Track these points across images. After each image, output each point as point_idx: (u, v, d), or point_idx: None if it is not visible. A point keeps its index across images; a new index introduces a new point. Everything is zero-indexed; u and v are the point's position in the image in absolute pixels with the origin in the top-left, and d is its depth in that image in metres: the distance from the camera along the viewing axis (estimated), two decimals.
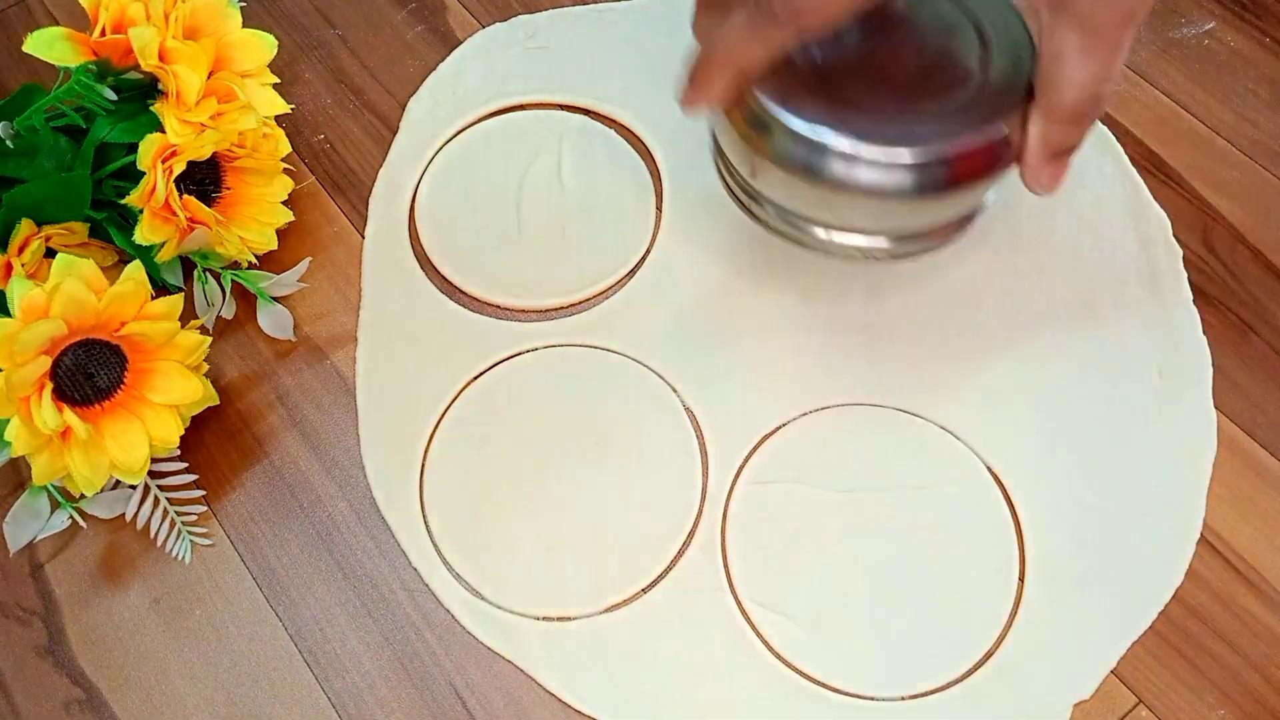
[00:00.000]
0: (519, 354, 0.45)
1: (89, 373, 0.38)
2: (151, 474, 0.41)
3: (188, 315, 0.44)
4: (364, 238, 0.48)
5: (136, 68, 0.43)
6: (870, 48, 0.34)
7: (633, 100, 0.51)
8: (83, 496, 0.40)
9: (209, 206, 0.43)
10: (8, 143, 0.43)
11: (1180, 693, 0.38)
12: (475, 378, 0.44)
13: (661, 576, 0.40)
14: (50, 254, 0.41)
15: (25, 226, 0.41)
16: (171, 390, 0.40)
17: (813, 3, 0.31)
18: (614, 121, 0.50)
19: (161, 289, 0.45)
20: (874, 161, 0.34)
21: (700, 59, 0.35)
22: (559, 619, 0.40)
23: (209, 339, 0.41)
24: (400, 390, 0.44)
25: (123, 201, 0.41)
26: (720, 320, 0.45)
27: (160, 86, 0.43)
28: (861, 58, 0.36)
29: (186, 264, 0.46)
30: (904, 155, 0.34)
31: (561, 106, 0.51)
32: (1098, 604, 0.39)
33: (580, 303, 0.46)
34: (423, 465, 0.43)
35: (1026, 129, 0.34)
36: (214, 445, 0.44)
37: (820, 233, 0.38)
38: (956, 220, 0.38)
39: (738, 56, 0.33)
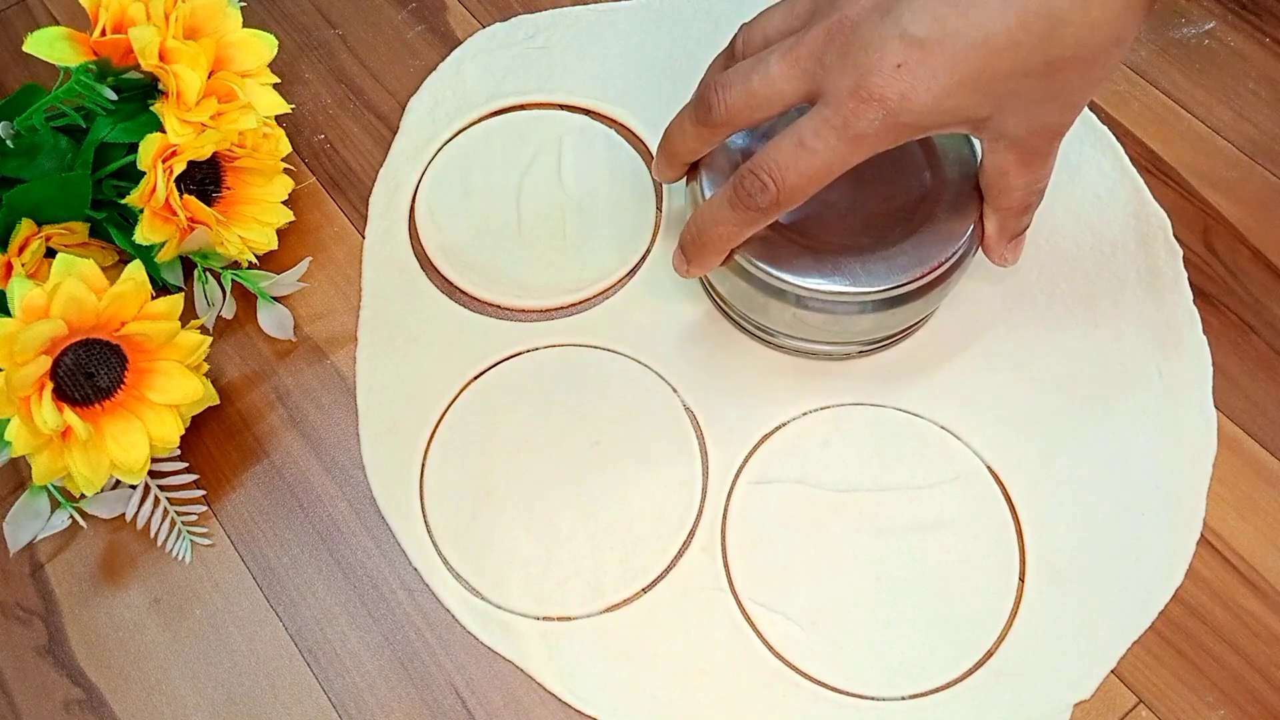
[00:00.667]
0: (519, 354, 0.45)
1: (89, 372, 0.38)
2: (152, 474, 0.41)
3: (188, 315, 0.44)
4: (364, 238, 0.48)
5: (137, 67, 0.43)
6: (833, 189, 0.37)
7: (633, 100, 0.51)
8: (83, 496, 0.40)
9: (209, 206, 0.43)
10: (8, 143, 0.43)
11: (1180, 693, 0.38)
12: (475, 378, 0.44)
13: (661, 576, 0.40)
14: (50, 254, 0.41)
15: (25, 226, 0.41)
16: (172, 390, 0.40)
17: (792, 192, 0.35)
18: (614, 121, 0.50)
19: (162, 289, 0.45)
20: (853, 299, 0.39)
21: (693, 239, 0.39)
22: (559, 619, 0.40)
23: (209, 339, 0.41)
24: (400, 390, 0.44)
25: (123, 201, 0.41)
26: (720, 320, 0.45)
27: (160, 86, 0.43)
28: (826, 202, 0.39)
29: (187, 264, 0.46)
30: (885, 289, 0.39)
31: (561, 106, 0.51)
32: (1098, 604, 0.39)
33: (580, 303, 0.46)
34: (423, 465, 0.43)
35: (983, 223, 0.40)
36: (214, 445, 0.44)
37: (789, 341, 0.43)
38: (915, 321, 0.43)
39: (726, 238, 0.38)
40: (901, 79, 0.33)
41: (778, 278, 0.39)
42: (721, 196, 0.37)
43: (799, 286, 0.39)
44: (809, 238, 0.39)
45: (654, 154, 0.42)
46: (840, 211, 0.40)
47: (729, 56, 0.39)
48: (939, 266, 0.39)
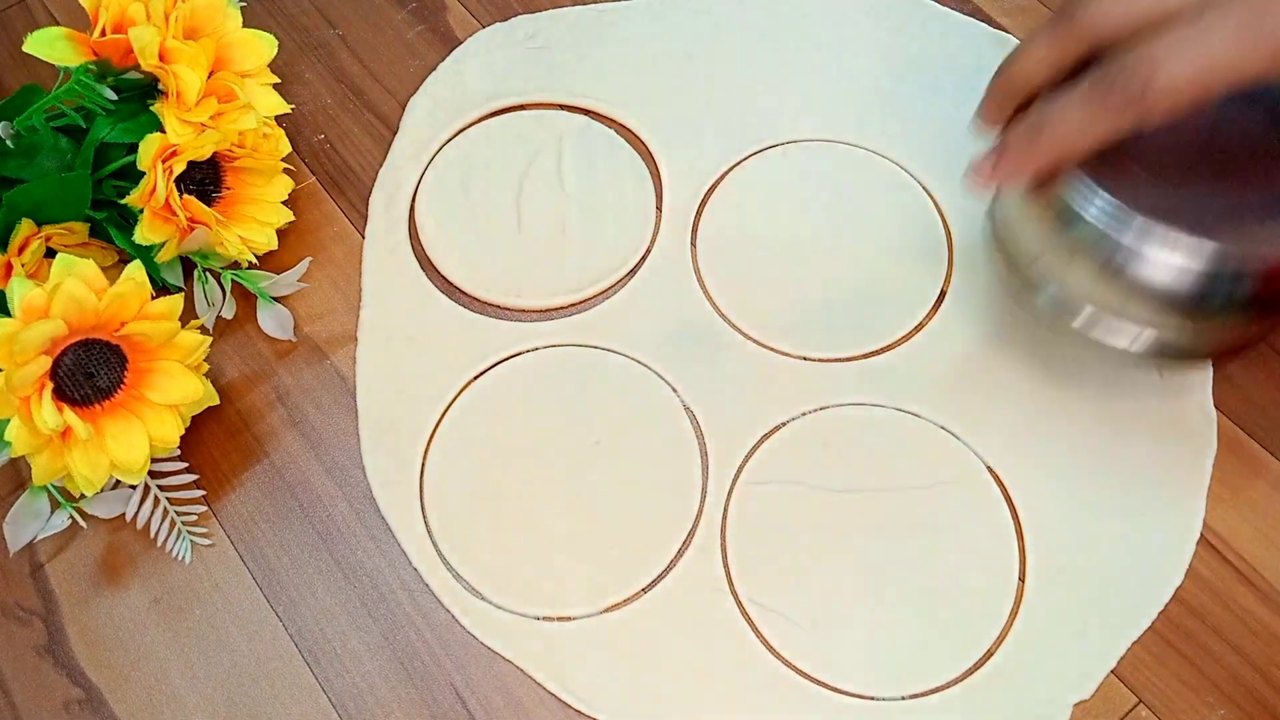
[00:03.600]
0: (519, 354, 0.45)
1: (89, 372, 0.38)
2: (151, 474, 0.41)
3: (188, 315, 0.44)
4: (364, 237, 0.48)
5: (136, 68, 0.43)
6: (1197, 124, 0.30)
7: (633, 100, 0.51)
8: (83, 496, 0.40)
9: (209, 206, 0.43)
10: (8, 143, 0.43)
11: (1180, 693, 0.38)
12: (475, 378, 0.44)
13: (661, 576, 0.40)
14: (50, 254, 0.41)
15: (25, 226, 0.41)
16: (172, 390, 0.40)
17: (1169, 87, 0.29)
18: (614, 121, 0.50)
19: (162, 289, 0.45)
20: (1217, 271, 0.32)
21: (1022, 134, 0.32)
22: (559, 619, 0.40)
23: (209, 339, 0.41)
24: (400, 390, 0.44)
25: (123, 201, 0.41)
26: (720, 320, 0.45)
27: (160, 86, 0.43)
28: (1187, 135, 0.32)
29: (186, 264, 0.46)
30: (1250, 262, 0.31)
31: (561, 106, 0.51)
32: (1098, 604, 0.39)
33: (580, 303, 0.46)
34: (423, 465, 0.43)
35: None
36: (214, 445, 0.44)
37: (1107, 320, 0.36)
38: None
39: (1072, 139, 0.31)
40: None
41: (1121, 212, 0.31)
42: (1073, 89, 0.30)
43: (1148, 231, 0.31)
44: (1169, 177, 0.31)
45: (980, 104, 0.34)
46: (1214, 170, 0.31)
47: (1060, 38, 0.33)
48: None
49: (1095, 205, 0.32)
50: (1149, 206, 0.31)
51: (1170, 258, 0.32)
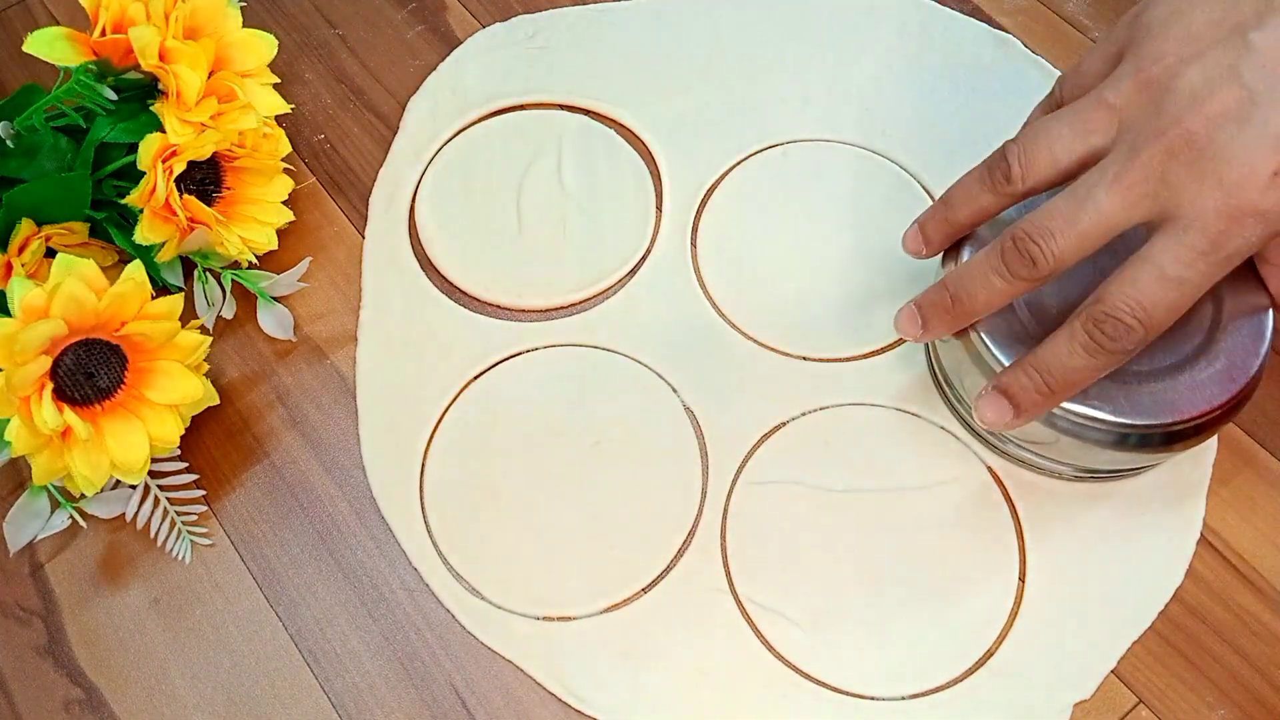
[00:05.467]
0: (519, 354, 0.45)
1: (89, 372, 0.38)
2: (152, 474, 0.41)
3: (188, 315, 0.44)
4: (364, 238, 0.48)
5: (137, 67, 0.43)
6: (1084, 277, 0.34)
7: (633, 100, 0.51)
8: (83, 496, 0.40)
9: (209, 206, 0.43)
10: (8, 143, 0.43)
11: (1180, 693, 0.38)
12: (475, 378, 0.44)
13: (661, 576, 0.40)
14: (50, 254, 0.41)
15: (25, 226, 0.41)
16: (172, 390, 0.40)
17: (1159, 328, 0.32)
18: (614, 121, 0.50)
19: (162, 289, 0.45)
20: (1109, 429, 0.36)
21: (937, 303, 0.37)
22: (559, 619, 0.40)
23: (209, 339, 0.41)
24: (400, 390, 0.44)
25: (123, 201, 0.41)
26: (720, 320, 0.45)
27: (160, 86, 0.43)
28: (1075, 293, 0.35)
29: (187, 264, 0.46)
30: (1149, 424, 0.35)
31: (561, 106, 0.51)
32: (1098, 604, 0.39)
33: (580, 303, 0.46)
34: (423, 465, 0.43)
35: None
36: (214, 445, 0.44)
37: (1014, 449, 0.40)
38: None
39: (978, 306, 0.35)
40: (1278, 189, 0.30)
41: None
42: (1068, 340, 0.33)
43: (1066, 411, 0.36)
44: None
45: (919, 221, 0.39)
46: None
47: (1049, 104, 0.38)
48: (1219, 406, 0.36)
49: (998, 363, 0.37)
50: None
51: (1076, 420, 0.36)
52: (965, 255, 0.38)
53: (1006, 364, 0.37)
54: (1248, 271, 0.37)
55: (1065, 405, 0.36)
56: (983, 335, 0.37)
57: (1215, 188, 0.31)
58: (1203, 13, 0.33)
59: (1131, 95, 0.33)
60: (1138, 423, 0.36)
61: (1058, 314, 0.36)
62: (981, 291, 0.35)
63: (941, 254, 0.40)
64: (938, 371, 0.42)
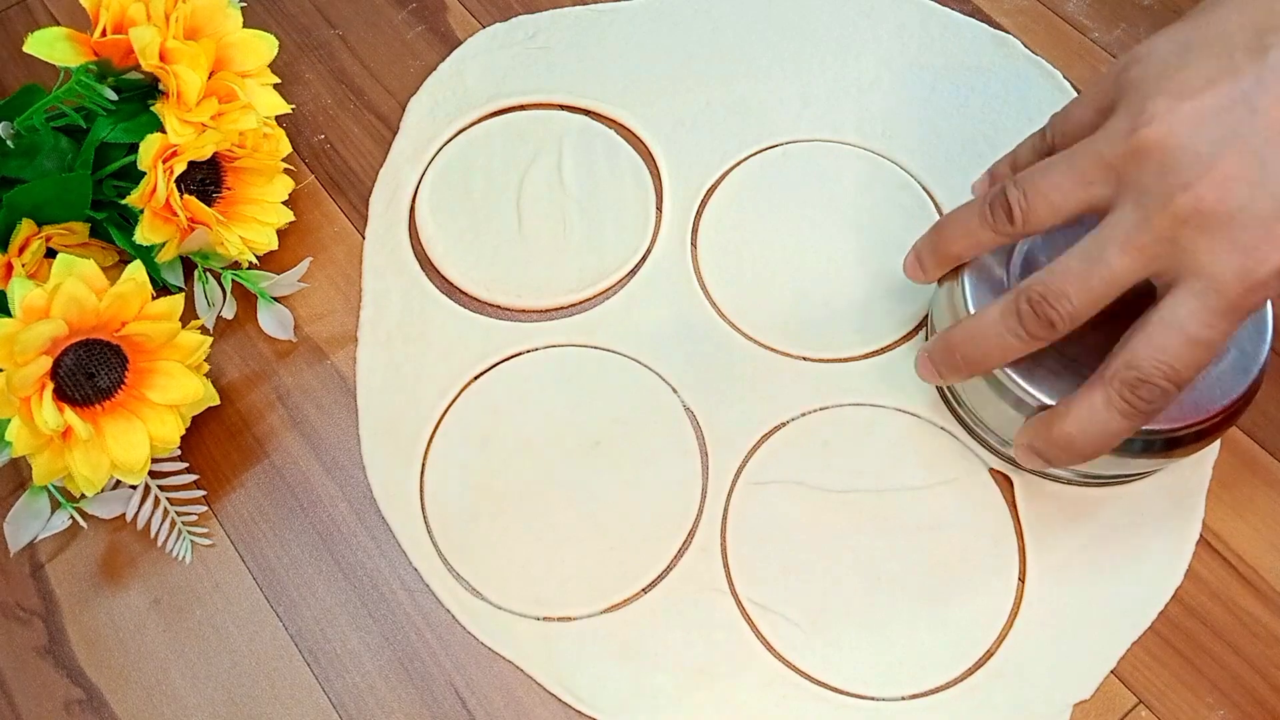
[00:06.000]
0: (519, 354, 0.45)
1: (90, 373, 0.38)
2: (152, 474, 0.41)
3: (188, 315, 0.44)
4: (364, 238, 0.48)
5: (137, 68, 0.43)
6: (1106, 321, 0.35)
7: (633, 100, 0.51)
8: (83, 496, 0.40)
9: (209, 206, 0.43)
10: (8, 143, 0.43)
11: (1180, 693, 0.38)
12: (475, 378, 0.44)
13: (661, 576, 0.40)
14: (51, 254, 0.41)
15: (26, 226, 0.41)
16: (172, 390, 0.40)
17: (1184, 385, 0.33)
18: (614, 121, 0.50)
19: (162, 289, 0.45)
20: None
21: (947, 355, 0.38)
22: (559, 619, 0.40)
23: (209, 339, 0.41)
24: (400, 390, 0.44)
25: (123, 202, 0.41)
26: (720, 320, 0.45)
27: (161, 86, 0.43)
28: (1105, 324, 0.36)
29: (187, 264, 0.46)
30: (1154, 431, 0.36)
31: (561, 106, 0.51)
32: (1098, 604, 0.39)
33: (580, 303, 0.46)
34: (423, 465, 0.43)
35: None
36: (214, 445, 0.44)
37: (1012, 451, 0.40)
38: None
39: (992, 360, 0.36)
40: None
41: (1042, 403, 0.36)
42: (1104, 404, 0.34)
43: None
44: (1079, 360, 0.36)
45: (916, 249, 0.40)
46: (1115, 336, 0.35)
47: (1040, 145, 0.38)
48: (1219, 412, 0.36)
49: (1024, 394, 0.37)
50: (1056, 389, 0.36)
51: None
52: (965, 280, 0.38)
53: (1015, 375, 0.37)
54: None
55: None
56: (1008, 371, 0.37)
57: (1231, 252, 0.31)
58: (1196, 69, 0.33)
59: (1131, 155, 0.33)
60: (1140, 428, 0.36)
61: None
62: (997, 353, 0.36)
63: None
64: (951, 401, 0.43)
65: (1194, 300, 0.32)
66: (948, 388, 0.42)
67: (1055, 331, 0.34)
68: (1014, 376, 0.37)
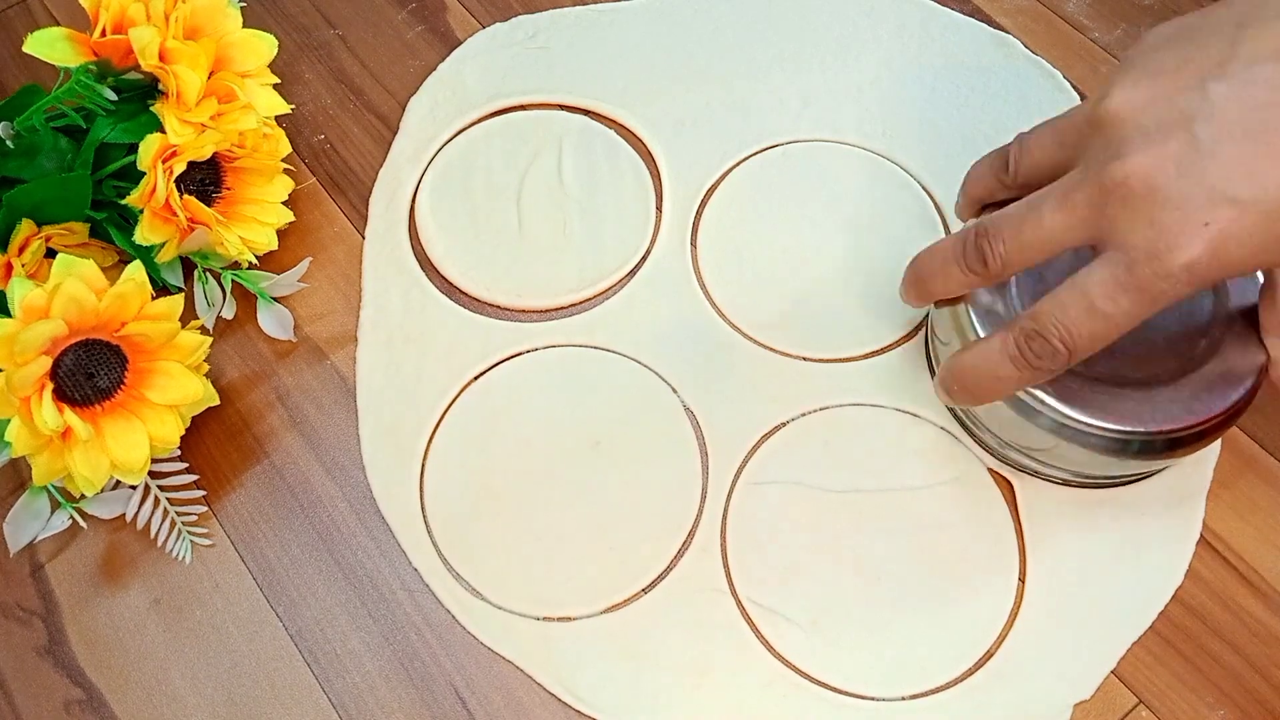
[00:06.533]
0: (519, 354, 0.45)
1: (89, 373, 0.38)
2: (152, 474, 0.41)
3: (188, 315, 0.44)
4: (364, 238, 0.48)
5: (137, 68, 0.43)
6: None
7: (633, 100, 0.51)
8: (83, 497, 0.40)
9: (209, 206, 0.43)
10: (8, 143, 0.43)
11: (1180, 693, 0.38)
12: (475, 378, 0.44)
13: (661, 576, 0.40)
14: (50, 254, 0.41)
15: (25, 227, 0.41)
16: (172, 390, 0.40)
17: (1082, 353, 0.33)
18: (614, 122, 0.50)
19: (162, 289, 0.45)
20: (1122, 437, 0.36)
21: (964, 386, 0.37)
22: (559, 619, 0.40)
23: (209, 339, 0.41)
24: (400, 390, 0.44)
25: (123, 202, 0.41)
26: (720, 320, 0.45)
27: (160, 87, 0.43)
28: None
29: (187, 264, 0.46)
30: (1157, 431, 0.36)
31: (562, 107, 0.51)
32: (1098, 604, 0.39)
33: (580, 303, 0.46)
34: (423, 465, 0.43)
35: (1269, 350, 0.37)
36: (214, 445, 0.44)
37: (1015, 455, 0.41)
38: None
39: (1003, 389, 0.36)
40: (1210, 237, 0.31)
41: (1042, 402, 0.36)
42: (1000, 349, 0.35)
43: (1067, 417, 0.36)
44: (1080, 365, 0.36)
45: (904, 279, 0.40)
46: (1119, 358, 0.36)
47: (1000, 163, 0.38)
48: (1221, 413, 0.36)
49: (1023, 395, 0.37)
50: (1062, 393, 0.36)
51: (1077, 426, 0.37)
52: (969, 307, 0.38)
53: (1048, 401, 0.37)
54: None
55: (1066, 411, 0.36)
56: (979, 330, 0.37)
57: (1147, 227, 0.31)
58: (1172, 53, 0.33)
59: (1088, 123, 0.34)
60: (1140, 429, 0.36)
61: None
62: (940, 279, 0.37)
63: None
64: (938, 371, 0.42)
65: (1105, 269, 0.32)
66: (937, 370, 0.42)
67: (989, 270, 0.35)
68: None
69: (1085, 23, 0.52)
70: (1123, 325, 0.33)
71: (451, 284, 0.47)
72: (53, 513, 0.41)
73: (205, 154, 0.42)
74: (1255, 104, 0.31)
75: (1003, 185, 0.38)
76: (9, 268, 0.40)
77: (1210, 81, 0.32)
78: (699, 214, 0.48)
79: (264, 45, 0.45)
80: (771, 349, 0.44)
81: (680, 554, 0.41)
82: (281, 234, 0.46)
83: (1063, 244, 0.34)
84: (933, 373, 0.43)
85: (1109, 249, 0.32)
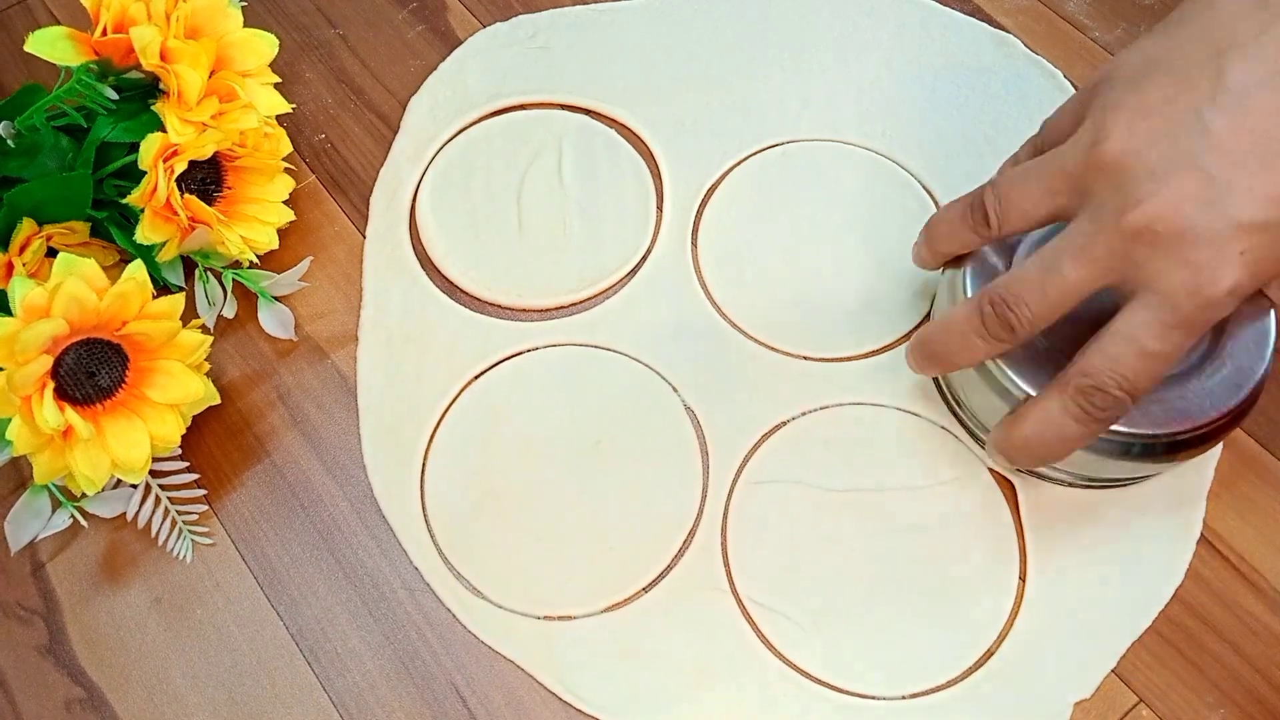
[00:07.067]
0: (519, 354, 0.45)
1: (90, 372, 0.38)
2: (153, 473, 0.41)
3: (189, 314, 0.44)
4: (365, 237, 0.48)
5: (138, 67, 0.43)
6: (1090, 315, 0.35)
7: (633, 100, 0.51)
8: (84, 496, 0.40)
9: (210, 206, 0.43)
10: (9, 142, 0.43)
11: (1180, 693, 0.38)
12: (475, 378, 0.44)
13: (662, 576, 0.40)
14: (51, 253, 0.41)
15: (27, 226, 0.41)
16: (173, 389, 0.40)
17: (1141, 395, 0.34)
18: (614, 121, 0.50)
19: (163, 288, 0.45)
20: (1119, 439, 0.36)
21: (921, 343, 0.39)
22: (559, 618, 0.40)
23: (210, 338, 0.41)
24: (401, 389, 0.44)
25: (124, 201, 0.41)
26: (720, 320, 0.45)
27: (161, 86, 0.43)
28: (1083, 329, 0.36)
29: (188, 263, 0.46)
30: (1157, 434, 0.36)
31: (562, 106, 0.51)
32: (1098, 603, 0.39)
33: (580, 303, 0.46)
34: (423, 465, 0.43)
35: None
36: (215, 444, 0.44)
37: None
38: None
39: (963, 363, 0.37)
40: (1247, 262, 0.31)
41: (1023, 390, 0.37)
42: (1060, 412, 0.35)
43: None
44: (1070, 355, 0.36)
45: (917, 240, 0.41)
46: None
47: (977, 216, 0.38)
48: (1223, 416, 0.36)
49: (1009, 384, 0.37)
50: (1043, 382, 0.36)
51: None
52: (966, 272, 0.39)
53: (1004, 365, 0.37)
54: None
55: None
56: (1018, 382, 0.37)
57: (1183, 269, 0.32)
58: (1157, 87, 0.33)
59: (1089, 168, 0.34)
60: (1142, 432, 0.36)
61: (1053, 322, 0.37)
62: (963, 352, 0.37)
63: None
64: (950, 400, 0.43)
65: (1147, 313, 0.33)
66: (946, 387, 0.42)
67: (1016, 335, 0.35)
68: (1005, 369, 0.37)
69: (1086, 22, 0.53)
70: (1174, 357, 0.33)
71: (452, 283, 0.47)
72: (54, 511, 0.41)
73: (206, 153, 0.42)
74: (1258, 132, 0.32)
75: (979, 238, 0.38)
76: (10, 267, 0.40)
77: (1207, 115, 0.32)
78: (699, 214, 0.48)
79: (265, 45, 0.45)
80: (772, 348, 0.44)
81: (681, 553, 0.41)
82: (282, 233, 0.46)
83: (1084, 295, 0.34)
84: (941, 392, 0.43)
85: (1143, 293, 0.33)
